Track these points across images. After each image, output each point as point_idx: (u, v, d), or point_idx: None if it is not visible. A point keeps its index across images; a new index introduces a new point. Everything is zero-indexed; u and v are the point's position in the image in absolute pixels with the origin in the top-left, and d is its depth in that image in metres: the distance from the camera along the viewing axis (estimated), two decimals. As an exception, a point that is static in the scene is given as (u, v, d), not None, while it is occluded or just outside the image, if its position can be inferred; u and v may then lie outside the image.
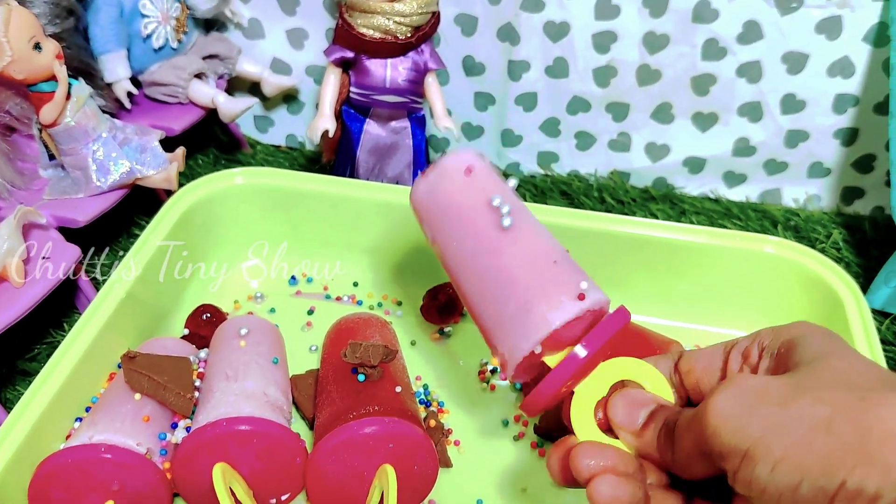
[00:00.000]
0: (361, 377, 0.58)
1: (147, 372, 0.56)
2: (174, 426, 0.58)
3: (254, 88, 0.91)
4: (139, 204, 0.81)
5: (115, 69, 0.78)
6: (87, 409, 0.59)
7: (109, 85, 0.79)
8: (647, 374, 0.42)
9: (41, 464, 0.52)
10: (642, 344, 0.63)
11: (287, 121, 0.95)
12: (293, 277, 0.76)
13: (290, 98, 0.93)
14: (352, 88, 0.78)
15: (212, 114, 0.86)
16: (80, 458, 0.52)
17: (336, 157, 0.82)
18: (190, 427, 0.57)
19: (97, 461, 0.52)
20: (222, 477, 0.52)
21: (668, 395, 0.42)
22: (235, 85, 0.90)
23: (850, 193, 0.90)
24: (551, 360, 0.44)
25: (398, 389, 0.59)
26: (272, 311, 0.73)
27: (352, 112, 0.79)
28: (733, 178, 0.91)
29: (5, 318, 0.59)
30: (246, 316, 0.68)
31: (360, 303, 0.75)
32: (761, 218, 0.88)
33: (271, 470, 0.55)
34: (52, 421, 0.56)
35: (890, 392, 0.32)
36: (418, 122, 0.80)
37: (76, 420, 0.58)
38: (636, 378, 0.42)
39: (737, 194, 0.91)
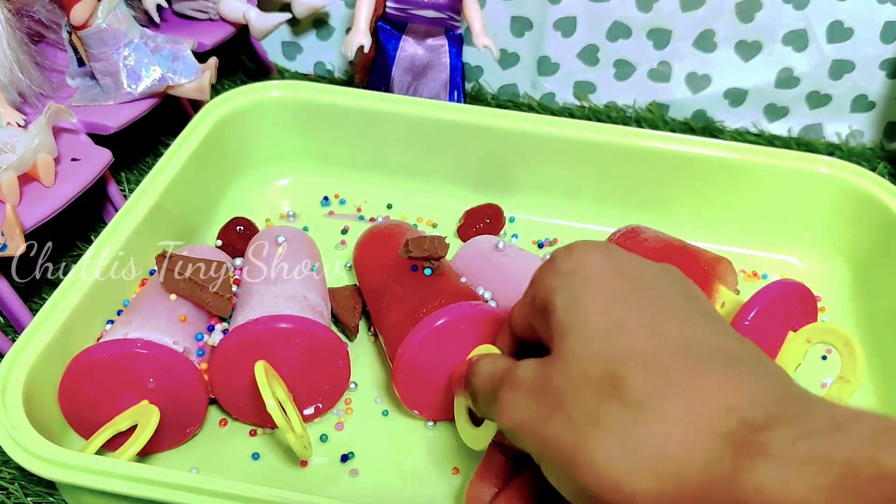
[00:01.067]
0: (428, 271, 0.56)
1: (184, 272, 0.54)
2: (211, 329, 0.55)
3: (283, 10, 0.88)
4: (166, 123, 0.78)
5: (145, -20, 0.75)
6: (119, 313, 0.57)
7: (138, -2, 0.76)
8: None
9: (74, 359, 0.50)
10: (690, 261, 0.61)
11: (316, 47, 0.92)
12: (325, 198, 0.74)
13: (319, 22, 0.91)
14: (388, 3, 0.75)
15: (239, 38, 0.84)
16: (115, 351, 0.50)
17: (370, 77, 0.80)
18: (227, 330, 0.55)
19: (132, 356, 0.50)
20: (265, 373, 0.49)
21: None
22: (264, 5, 0.87)
23: (894, 129, 0.87)
24: None
25: (463, 280, 0.58)
26: (305, 229, 0.70)
27: (388, 28, 0.77)
28: (774, 112, 0.88)
29: (35, 215, 0.57)
30: (283, 226, 0.65)
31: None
32: (804, 151, 0.85)
33: (313, 372, 0.53)
34: (83, 321, 0.54)
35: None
36: (455, 41, 0.77)
37: (107, 322, 0.56)
38: None
39: (778, 128, 0.89)
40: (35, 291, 0.65)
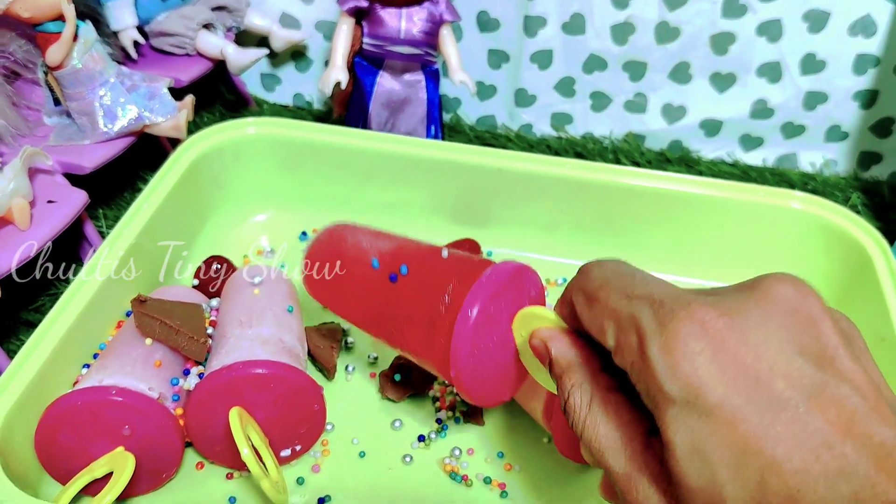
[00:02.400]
0: (404, 268, 0.50)
1: (159, 316, 0.54)
2: (186, 373, 0.56)
3: (260, 44, 0.88)
4: (143, 159, 0.79)
5: (122, 16, 0.76)
6: (95, 356, 0.57)
7: (115, 34, 0.76)
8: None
9: (49, 406, 0.50)
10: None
11: (295, 79, 0.93)
12: (303, 233, 0.74)
13: (298, 55, 0.91)
14: (365, 39, 0.76)
15: (217, 71, 0.84)
16: (90, 399, 0.50)
17: (347, 112, 0.80)
18: (202, 374, 0.55)
19: (108, 404, 0.50)
20: (239, 420, 0.50)
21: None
22: (242, 40, 0.87)
23: (868, 158, 0.88)
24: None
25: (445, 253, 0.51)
26: (282, 266, 0.71)
27: (364, 64, 0.77)
28: (750, 142, 0.89)
29: (9, 261, 0.57)
30: (259, 265, 0.66)
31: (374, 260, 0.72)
32: (778, 182, 0.87)
33: (289, 416, 0.54)
34: (59, 366, 0.53)
35: None
36: (432, 76, 0.78)
37: (83, 367, 0.56)
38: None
39: (753, 158, 0.90)
40: (13, 332, 0.65)
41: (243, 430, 0.50)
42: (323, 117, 0.92)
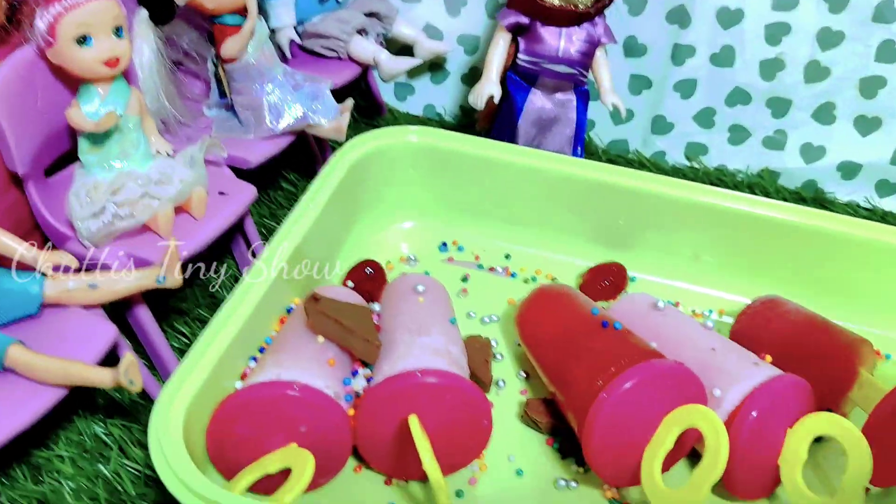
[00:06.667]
0: (618, 325, 0.57)
1: (334, 315, 0.54)
2: (354, 374, 0.56)
3: (403, 53, 0.88)
4: (288, 157, 0.79)
5: (282, 15, 0.76)
6: (261, 350, 0.57)
7: (273, 31, 0.77)
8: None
9: (228, 398, 0.50)
10: (831, 339, 0.61)
11: (428, 90, 0.93)
12: (444, 244, 0.74)
13: (435, 66, 0.92)
14: (520, 55, 0.76)
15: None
16: (270, 394, 0.50)
17: (493, 126, 0.80)
18: (370, 377, 0.55)
19: (288, 399, 0.50)
20: (420, 427, 0.49)
21: None
22: (387, 47, 0.88)
23: None
24: None
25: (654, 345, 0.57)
26: (426, 273, 0.70)
27: (517, 80, 0.77)
28: (887, 187, 0.87)
29: (187, 248, 0.58)
30: (421, 274, 0.65)
31: (513, 275, 0.72)
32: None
33: (457, 428, 0.53)
34: (231, 360, 0.54)
35: None
36: (582, 96, 0.78)
37: (250, 359, 0.57)
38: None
39: (890, 203, 0.88)
40: (163, 319, 0.65)
41: (422, 437, 0.49)
42: (453, 130, 0.92)
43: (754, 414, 0.52)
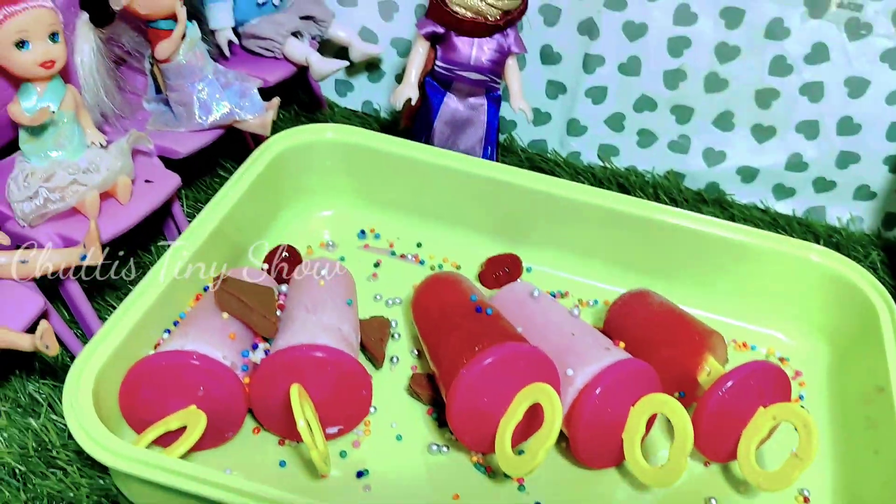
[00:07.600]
0: (490, 311, 0.65)
1: (237, 293, 0.62)
2: (254, 347, 0.63)
3: (339, 53, 0.95)
4: (225, 147, 0.86)
5: (221, 17, 0.83)
6: (175, 324, 0.65)
7: (212, 32, 0.84)
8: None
9: (136, 364, 0.58)
10: (685, 329, 0.68)
11: (366, 87, 1.00)
12: (362, 231, 0.81)
13: (371, 66, 0.99)
14: (437, 62, 0.82)
15: (297, 72, 0.91)
16: (174, 362, 0.57)
17: (413, 125, 0.87)
18: (269, 350, 0.62)
19: (188, 366, 0.57)
20: (298, 395, 0.57)
21: None
22: (324, 48, 0.95)
23: (892, 219, 0.94)
24: None
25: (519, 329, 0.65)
26: (342, 258, 0.78)
27: (434, 84, 0.84)
28: (782, 191, 0.95)
29: (111, 231, 0.65)
30: (326, 259, 0.73)
31: (422, 262, 0.80)
32: (805, 232, 0.93)
33: (339, 398, 0.61)
34: (145, 329, 0.61)
35: None
36: (494, 101, 0.85)
37: (164, 332, 0.64)
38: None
39: (783, 207, 0.96)
40: (98, 292, 0.73)
41: (301, 404, 0.57)
42: (388, 125, 0.99)
43: (598, 391, 0.59)
